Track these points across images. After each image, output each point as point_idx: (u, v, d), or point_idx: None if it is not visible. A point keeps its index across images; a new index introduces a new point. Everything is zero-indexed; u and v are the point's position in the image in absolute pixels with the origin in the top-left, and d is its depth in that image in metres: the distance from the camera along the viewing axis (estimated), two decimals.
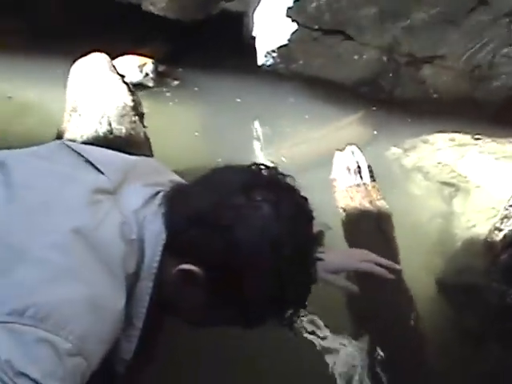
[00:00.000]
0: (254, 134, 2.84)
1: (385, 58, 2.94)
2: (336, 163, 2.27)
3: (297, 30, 2.98)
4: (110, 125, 2.36)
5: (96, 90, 2.51)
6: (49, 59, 3.20)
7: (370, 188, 2.15)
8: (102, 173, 1.18)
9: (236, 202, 1.11)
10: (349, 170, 2.21)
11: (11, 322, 0.95)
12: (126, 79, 2.61)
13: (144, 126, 2.46)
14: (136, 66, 3.16)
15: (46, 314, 0.96)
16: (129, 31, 3.22)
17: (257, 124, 2.90)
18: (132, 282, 1.11)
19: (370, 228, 1.94)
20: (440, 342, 1.78)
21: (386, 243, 1.91)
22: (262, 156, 2.63)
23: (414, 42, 2.87)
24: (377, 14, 2.85)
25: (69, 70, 2.53)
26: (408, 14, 2.82)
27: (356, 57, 2.96)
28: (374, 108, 2.93)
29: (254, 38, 3.11)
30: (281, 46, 3.02)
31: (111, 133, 2.31)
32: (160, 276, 1.14)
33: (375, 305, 1.74)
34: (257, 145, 2.77)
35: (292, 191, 1.18)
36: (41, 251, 1.03)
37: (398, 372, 1.64)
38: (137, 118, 2.50)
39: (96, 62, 2.67)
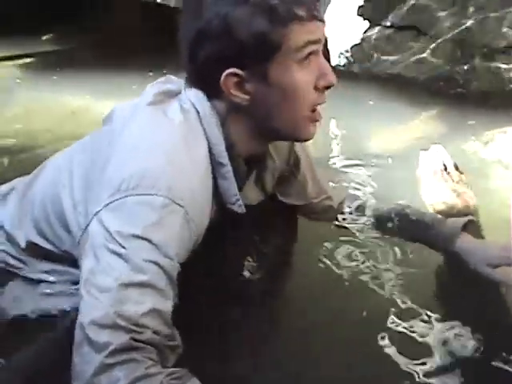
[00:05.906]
0: (331, 134, 2.87)
1: (459, 52, 2.95)
2: (421, 163, 2.26)
3: (369, 28, 3.03)
4: None
5: None
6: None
7: (456, 184, 2.13)
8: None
9: None
10: (435, 171, 2.20)
11: (112, 202, 1.14)
12: None
13: None
14: None
15: (135, 183, 1.14)
16: None
17: (333, 124, 2.94)
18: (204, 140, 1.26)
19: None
20: None
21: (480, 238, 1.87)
22: (340, 155, 2.66)
23: (488, 33, 2.87)
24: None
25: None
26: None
27: (429, 51, 2.98)
28: (450, 102, 2.93)
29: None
30: (354, 46, 3.08)
31: None
32: (217, 112, 1.26)
33: None
34: (334, 144, 2.81)
35: None
36: (125, 143, 1.23)
37: None
38: None
39: None
